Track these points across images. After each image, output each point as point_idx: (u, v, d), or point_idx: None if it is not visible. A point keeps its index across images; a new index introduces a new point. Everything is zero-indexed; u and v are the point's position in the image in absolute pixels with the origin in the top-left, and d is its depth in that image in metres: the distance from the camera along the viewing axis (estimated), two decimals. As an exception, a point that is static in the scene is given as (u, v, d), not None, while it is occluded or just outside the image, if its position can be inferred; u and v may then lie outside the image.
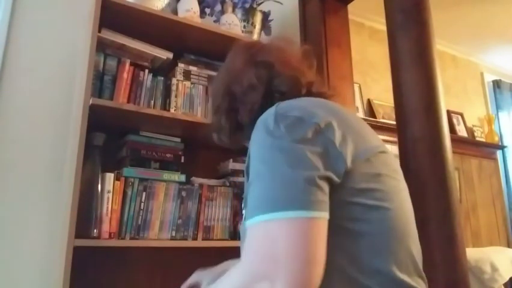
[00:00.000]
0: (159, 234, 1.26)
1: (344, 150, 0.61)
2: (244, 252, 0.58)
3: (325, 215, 0.56)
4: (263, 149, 0.62)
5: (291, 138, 0.60)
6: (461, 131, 3.27)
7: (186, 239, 1.31)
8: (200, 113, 1.45)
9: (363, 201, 0.61)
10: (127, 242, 1.21)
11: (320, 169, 0.58)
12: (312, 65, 0.84)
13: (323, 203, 0.56)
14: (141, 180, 1.28)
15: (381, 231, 0.62)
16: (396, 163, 0.72)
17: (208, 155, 1.61)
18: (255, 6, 1.67)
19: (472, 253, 2.17)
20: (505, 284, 2.48)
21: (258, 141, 0.64)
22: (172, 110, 1.39)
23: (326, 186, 0.58)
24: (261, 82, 0.76)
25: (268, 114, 0.65)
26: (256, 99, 0.76)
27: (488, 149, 3.40)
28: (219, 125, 0.84)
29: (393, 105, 1.34)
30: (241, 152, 1.56)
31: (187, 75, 1.48)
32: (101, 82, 1.28)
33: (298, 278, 0.52)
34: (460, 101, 3.43)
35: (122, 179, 1.25)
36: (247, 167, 0.66)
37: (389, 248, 0.62)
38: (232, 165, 1.53)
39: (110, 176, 1.22)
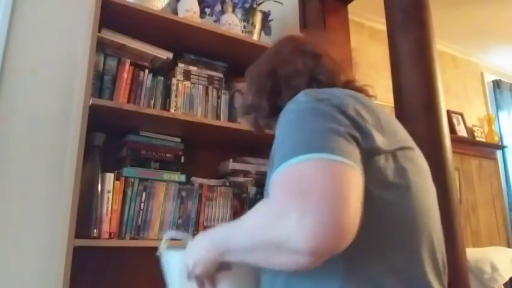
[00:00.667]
0: (159, 234, 1.26)
1: (373, 131, 0.60)
2: (271, 194, 0.54)
3: (357, 166, 0.53)
4: (291, 113, 0.63)
5: (319, 102, 0.61)
6: (461, 131, 3.27)
7: (186, 239, 1.31)
8: (200, 113, 1.45)
9: (385, 196, 0.59)
10: (127, 242, 1.21)
11: (348, 126, 0.57)
12: (353, 68, 0.86)
13: (352, 156, 0.54)
14: (141, 180, 1.28)
15: (402, 229, 0.60)
16: (423, 162, 0.71)
17: (208, 155, 1.61)
18: (255, 6, 1.67)
19: (472, 253, 2.17)
20: (505, 284, 2.48)
21: (285, 111, 0.65)
22: (172, 110, 1.39)
23: (353, 143, 0.56)
24: (307, 69, 0.79)
25: (298, 94, 0.67)
26: (300, 84, 0.77)
27: (488, 149, 3.40)
28: (258, 105, 0.85)
29: (393, 105, 1.34)
30: (243, 152, 1.56)
31: (187, 75, 1.48)
32: (101, 82, 1.28)
33: (331, 214, 0.47)
34: (460, 101, 3.43)
35: (122, 179, 1.25)
36: (273, 153, 0.65)
37: (409, 247, 0.60)
38: (232, 165, 1.53)
39: (110, 176, 1.22)
